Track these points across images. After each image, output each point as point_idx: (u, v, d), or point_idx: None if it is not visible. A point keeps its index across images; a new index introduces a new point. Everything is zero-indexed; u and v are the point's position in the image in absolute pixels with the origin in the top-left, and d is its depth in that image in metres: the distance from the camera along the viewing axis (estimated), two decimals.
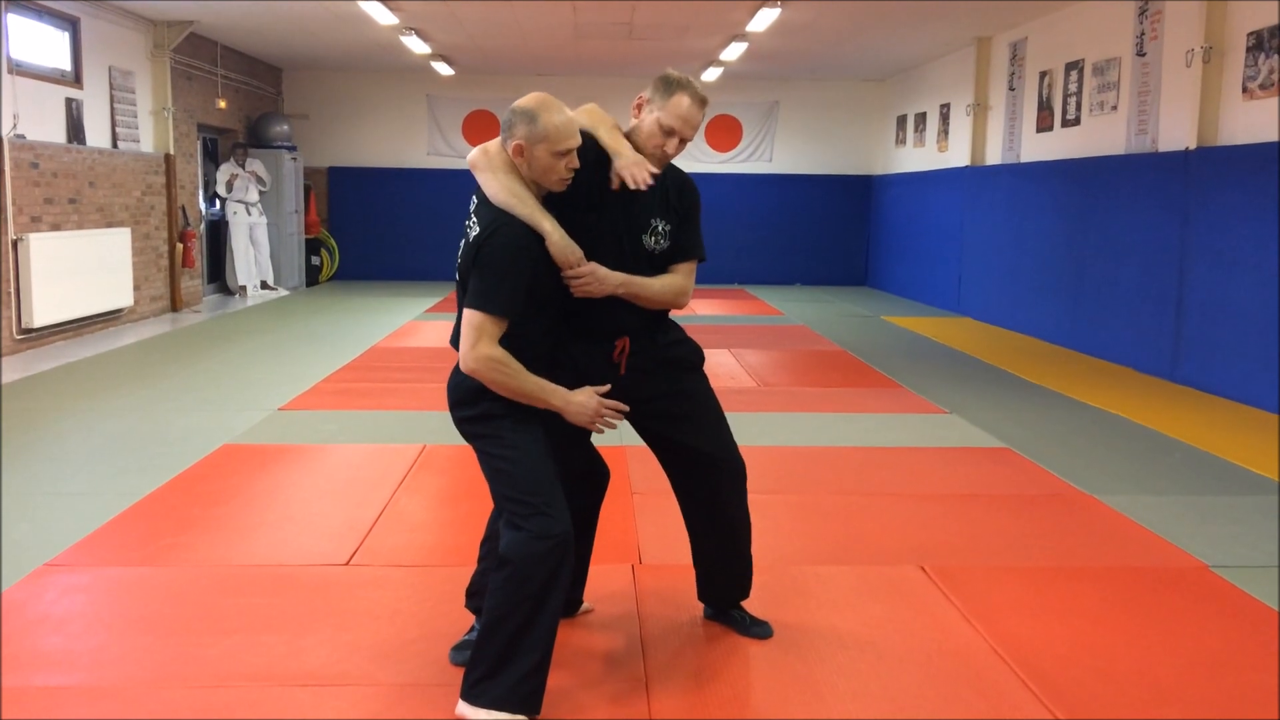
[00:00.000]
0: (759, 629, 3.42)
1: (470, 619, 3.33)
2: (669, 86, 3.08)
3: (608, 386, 2.99)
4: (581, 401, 2.92)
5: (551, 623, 2.81)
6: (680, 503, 3.39)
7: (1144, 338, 8.70)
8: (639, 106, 3.15)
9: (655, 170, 3.04)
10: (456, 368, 2.95)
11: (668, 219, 3.16)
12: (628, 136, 3.13)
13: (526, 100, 2.91)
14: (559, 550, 2.79)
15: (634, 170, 2.99)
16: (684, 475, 3.31)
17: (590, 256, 2.98)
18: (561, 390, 2.90)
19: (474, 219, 2.93)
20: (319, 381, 7.79)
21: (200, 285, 13.21)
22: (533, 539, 2.78)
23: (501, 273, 2.83)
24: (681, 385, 3.24)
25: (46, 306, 9.28)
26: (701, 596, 3.51)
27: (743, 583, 3.45)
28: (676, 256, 3.18)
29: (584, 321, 3.10)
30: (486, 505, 3.09)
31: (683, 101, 3.06)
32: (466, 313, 2.86)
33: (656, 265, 3.15)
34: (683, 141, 3.11)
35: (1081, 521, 4.71)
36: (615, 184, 3.03)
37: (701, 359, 3.31)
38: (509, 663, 2.78)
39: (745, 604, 3.50)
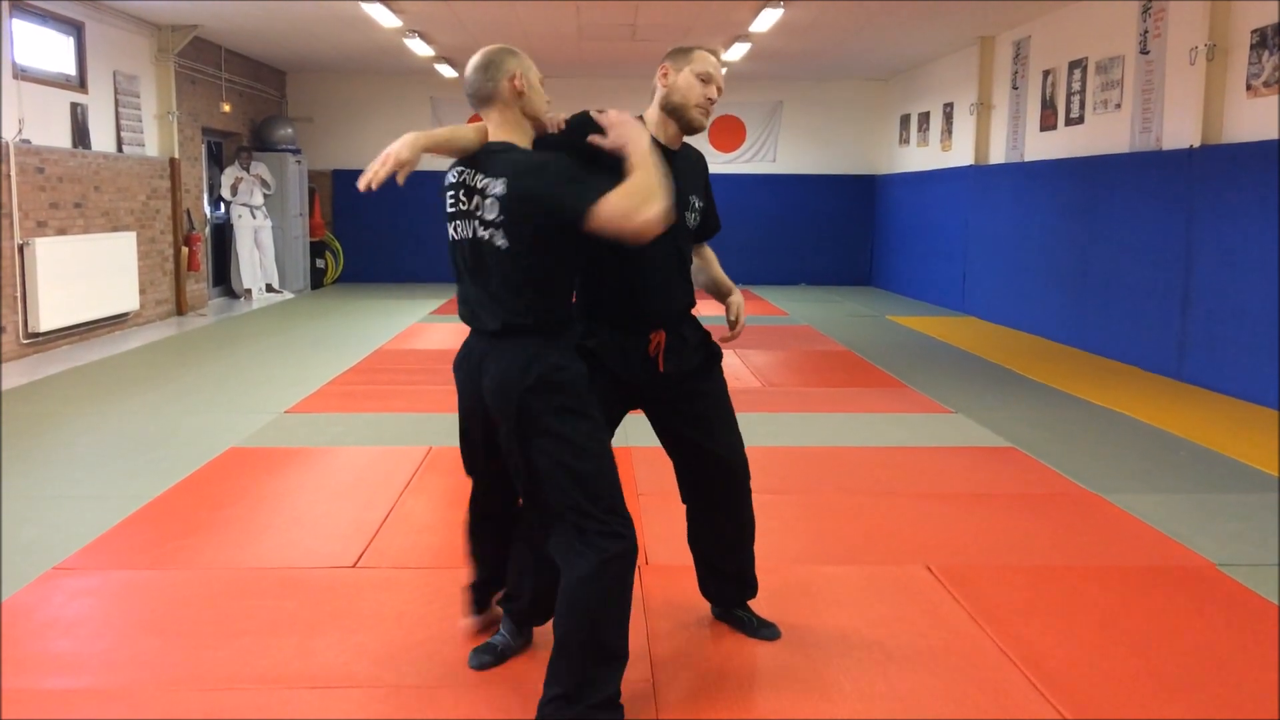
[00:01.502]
0: (767, 630, 3.43)
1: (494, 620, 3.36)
2: (683, 51, 3.24)
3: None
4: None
5: (625, 635, 2.80)
6: (687, 502, 3.41)
7: (1149, 336, 8.70)
8: (664, 74, 3.23)
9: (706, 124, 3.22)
10: (538, 345, 2.81)
11: (701, 197, 3.31)
12: (665, 105, 3.19)
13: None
14: (631, 564, 2.78)
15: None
16: (697, 476, 3.33)
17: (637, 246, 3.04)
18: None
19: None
20: (325, 384, 7.80)
21: (205, 289, 13.24)
22: (613, 559, 2.72)
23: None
24: (706, 385, 3.29)
25: (53, 311, 9.31)
26: (705, 594, 3.51)
27: (747, 579, 3.46)
28: (712, 230, 3.42)
29: (615, 311, 3.13)
30: None
31: (706, 55, 3.23)
32: (612, 196, 2.70)
33: (691, 240, 3.31)
34: (718, 90, 3.22)
35: (1088, 520, 4.71)
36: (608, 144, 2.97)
37: (721, 358, 3.38)
38: (590, 684, 2.72)
39: (752, 604, 3.51)
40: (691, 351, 3.25)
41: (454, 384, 3.03)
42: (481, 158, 2.90)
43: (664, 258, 3.15)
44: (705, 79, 3.16)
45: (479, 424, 2.98)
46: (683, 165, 3.22)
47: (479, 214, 2.83)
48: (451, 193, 2.91)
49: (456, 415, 3.06)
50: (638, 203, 2.70)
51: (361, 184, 2.91)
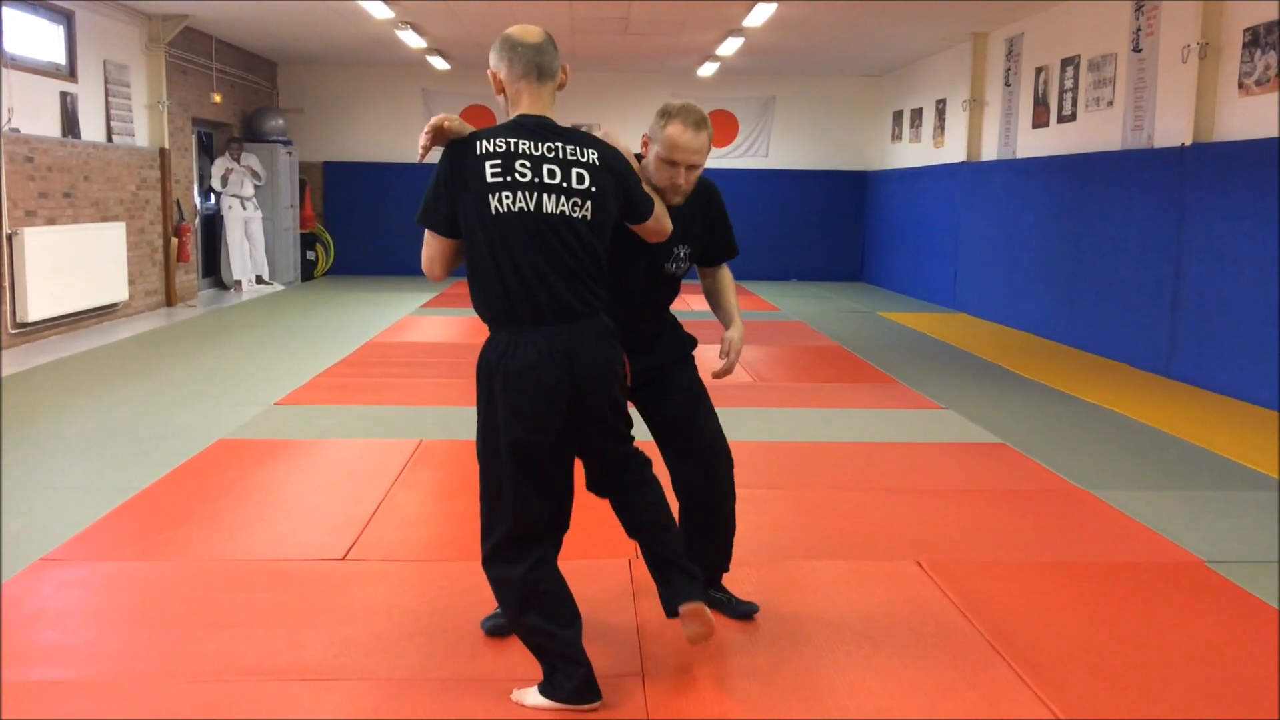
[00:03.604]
0: (745, 607, 3.51)
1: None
2: (662, 117, 3.15)
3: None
4: None
5: None
6: (676, 488, 3.44)
7: (1139, 333, 8.72)
8: (645, 144, 3.23)
9: (678, 201, 3.20)
10: (608, 324, 2.93)
11: (691, 243, 3.33)
12: (642, 171, 3.20)
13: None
14: None
15: None
16: (681, 461, 3.39)
17: (616, 280, 3.09)
18: None
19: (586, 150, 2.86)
20: (315, 376, 7.78)
21: (195, 280, 13.19)
22: None
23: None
24: (677, 371, 3.40)
25: (41, 301, 9.26)
26: None
27: (727, 554, 3.54)
28: (721, 258, 3.48)
29: None
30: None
31: (673, 130, 3.12)
32: None
33: (674, 284, 3.35)
34: (691, 169, 3.16)
35: (1077, 516, 4.72)
36: None
37: (692, 347, 3.48)
38: None
39: (736, 592, 3.59)
40: (656, 354, 3.35)
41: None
42: (545, 130, 2.83)
43: (637, 293, 3.24)
44: (669, 163, 3.12)
45: (559, 426, 2.81)
46: (677, 213, 3.24)
47: (564, 184, 2.77)
48: (503, 162, 2.75)
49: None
50: (666, 222, 3.07)
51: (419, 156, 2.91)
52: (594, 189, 2.81)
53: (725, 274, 3.52)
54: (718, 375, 3.35)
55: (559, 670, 2.87)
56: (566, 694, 2.85)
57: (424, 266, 2.96)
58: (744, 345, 3.49)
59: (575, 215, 2.79)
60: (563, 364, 2.78)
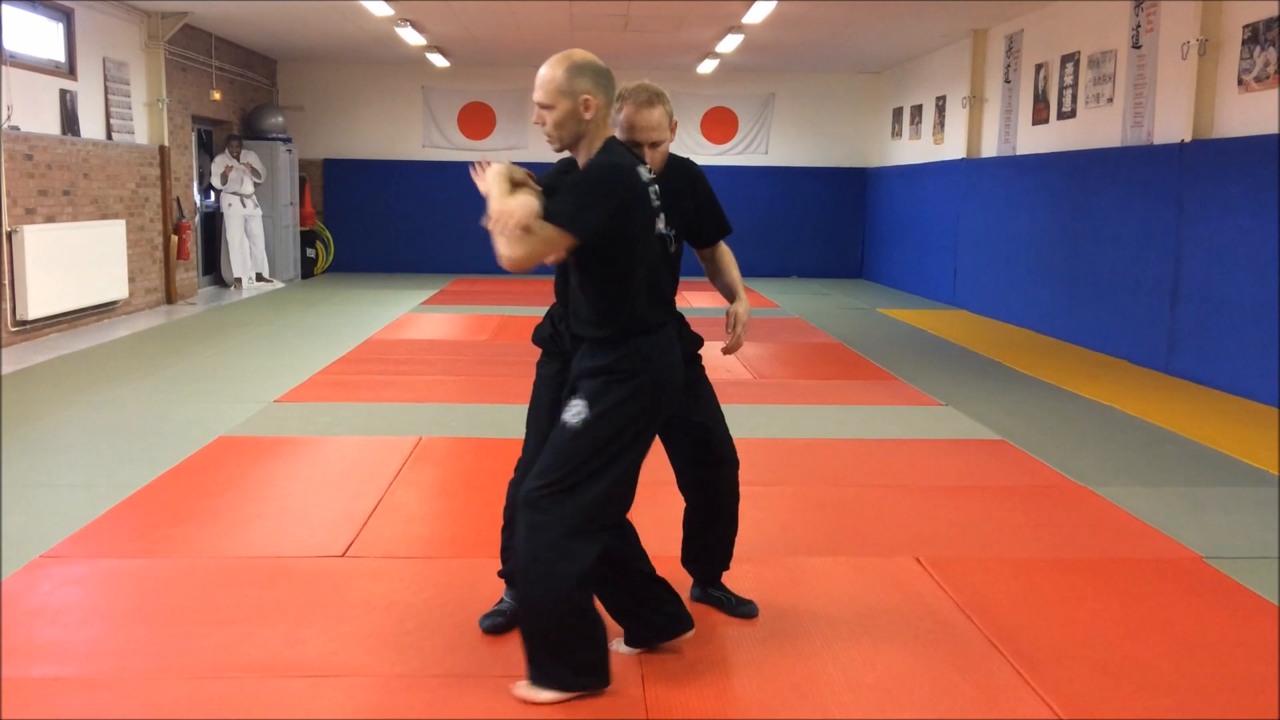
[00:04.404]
0: (745, 608, 3.52)
1: (499, 591, 3.44)
2: (616, 102, 3.17)
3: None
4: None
5: None
6: (682, 486, 3.48)
7: (1139, 330, 8.72)
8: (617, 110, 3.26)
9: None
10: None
11: (677, 223, 3.33)
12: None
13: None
14: None
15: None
16: (682, 448, 3.41)
17: None
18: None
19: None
20: (315, 373, 7.78)
21: (195, 277, 13.20)
22: None
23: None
24: (688, 369, 3.38)
25: (41, 299, 9.27)
26: (688, 566, 3.60)
27: (728, 552, 3.58)
28: (716, 235, 3.52)
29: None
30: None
31: (627, 111, 3.19)
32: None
33: (673, 263, 3.34)
34: (653, 146, 3.20)
35: (1076, 513, 4.73)
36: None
37: (699, 345, 3.47)
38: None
39: (736, 589, 3.60)
40: None
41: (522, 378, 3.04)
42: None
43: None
44: (633, 144, 3.16)
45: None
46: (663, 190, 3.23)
47: (658, 207, 3.06)
48: (652, 188, 3.00)
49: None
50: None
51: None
52: (659, 208, 3.10)
53: (725, 251, 3.55)
54: (727, 350, 3.39)
55: (576, 651, 2.91)
56: (581, 666, 2.92)
57: (521, 259, 2.75)
58: (745, 342, 3.49)
59: (666, 234, 3.19)
60: (680, 361, 3.10)
